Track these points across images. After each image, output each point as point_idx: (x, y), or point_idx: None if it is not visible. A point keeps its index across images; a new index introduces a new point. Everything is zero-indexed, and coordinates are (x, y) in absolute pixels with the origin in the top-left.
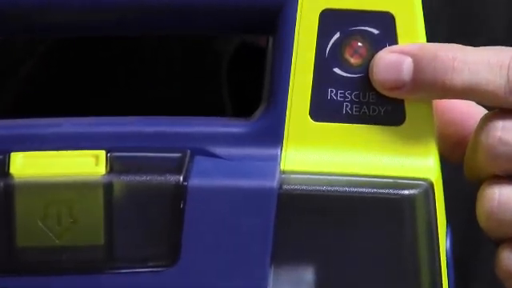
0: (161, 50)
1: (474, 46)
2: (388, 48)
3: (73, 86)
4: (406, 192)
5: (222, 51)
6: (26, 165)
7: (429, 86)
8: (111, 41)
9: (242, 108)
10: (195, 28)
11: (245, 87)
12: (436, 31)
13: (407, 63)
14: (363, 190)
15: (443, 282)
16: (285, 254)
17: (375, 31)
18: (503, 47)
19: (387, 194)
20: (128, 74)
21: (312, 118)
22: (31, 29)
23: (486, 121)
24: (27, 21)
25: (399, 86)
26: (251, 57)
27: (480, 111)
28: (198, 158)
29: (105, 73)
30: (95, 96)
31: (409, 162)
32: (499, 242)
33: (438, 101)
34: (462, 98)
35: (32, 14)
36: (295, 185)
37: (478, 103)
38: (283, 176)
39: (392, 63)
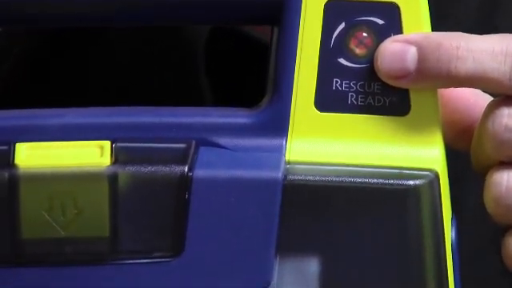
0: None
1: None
2: (392, 37)
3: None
4: (412, 182)
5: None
6: (30, 156)
7: (433, 74)
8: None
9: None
10: (199, 20)
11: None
12: None
13: (411, 52)
14: (368, 180)
15: (448, 272)
16: (290, 244)
17: (380, 21)
18: (507, 34)
19: (392, 184)
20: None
21: (317, 108)
22: (29, 19)
23: (491, 108)
24: (24, 11)
25: (404, 75)
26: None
27: (486, 99)
28: (203, 149)
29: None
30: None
31: (414, 153)
32: (507, 229)
33: (443, 89)
34: (466, 86)
35: (29, 4)
36: (300, 175)
37: (484, 91)
38: (288, 166)
39: (396, 52)
